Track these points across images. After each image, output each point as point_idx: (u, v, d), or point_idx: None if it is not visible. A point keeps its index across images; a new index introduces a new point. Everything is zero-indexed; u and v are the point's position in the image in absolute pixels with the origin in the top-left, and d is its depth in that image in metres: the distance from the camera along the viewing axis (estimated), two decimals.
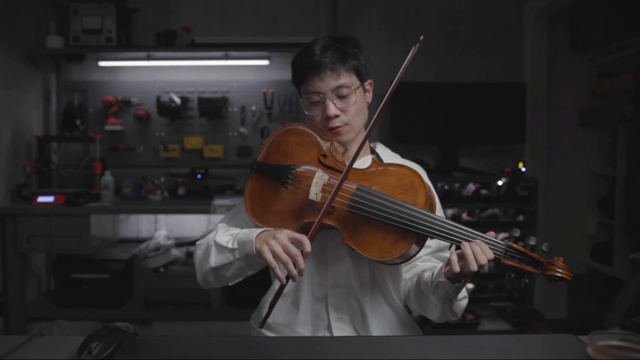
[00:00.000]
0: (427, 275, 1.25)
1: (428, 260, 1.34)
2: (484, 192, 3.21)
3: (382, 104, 1.15)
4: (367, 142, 1.37)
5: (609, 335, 0.82)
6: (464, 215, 3.21)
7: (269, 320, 1.32)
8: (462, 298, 1.24)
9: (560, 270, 1.05)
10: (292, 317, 1.31)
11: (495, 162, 3.53)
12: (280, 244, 1.08)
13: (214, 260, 1.22)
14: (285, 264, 1.07)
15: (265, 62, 3.36)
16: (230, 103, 3.42)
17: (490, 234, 1.10)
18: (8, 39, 2.96)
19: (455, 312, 1.23)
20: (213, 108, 3.33)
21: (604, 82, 3.40)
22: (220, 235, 1.25)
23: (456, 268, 1.08)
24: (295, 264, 1.06)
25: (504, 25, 3.54)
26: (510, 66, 3.53)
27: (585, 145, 3.55)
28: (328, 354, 0.98)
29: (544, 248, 1.07)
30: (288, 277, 1.08)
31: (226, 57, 3.27)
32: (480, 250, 1.06)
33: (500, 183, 3.24)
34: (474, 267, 1.06)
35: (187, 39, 3.26)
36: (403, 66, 1.15)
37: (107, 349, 0.93)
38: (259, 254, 1.11)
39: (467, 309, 3.14)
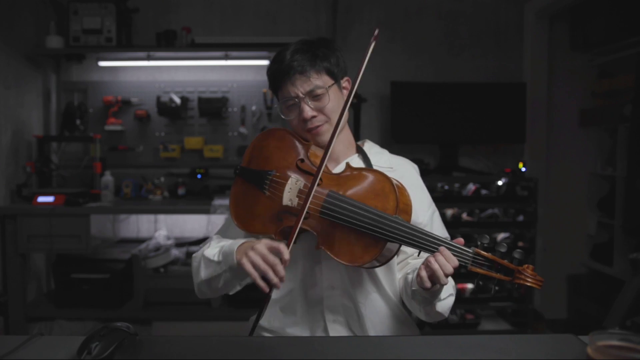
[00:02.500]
0: (410, 278, 1.25)
1: (421, 257, 1.32)
2: (484, 192, 3.21)
3: (346, 101, 1.21)
4: (353, 141, 1.37)
5: (609, 335, 0.82)
6: (464, 215, 3.20)
7: (266, 324, 1.33)
8: (447, 297, 1.22)
9: (529, 279, 1.04)
10: (288, 322, 1.31)
11: (495, 162, 3.53)
12: (258, 254, 1.10)
13: (204, 273, 1.25)
14: (264, 273, 1.08)
15: (265, 62, 3.36)
16: (230, 103, 3.42)
17: (459, 241, 1.09)
18: (8, 39, 2.95)
19: (440, 312, 1.22)
20: (213, 108, 3.33)
21: (604, 82, 3.40)
22: (209, 248, 1.27)
23: (427, 284, 1.08)
24: (275, 272, 1.08)
25: (504, 25, 3.53)
26: (510, 66, 3.53)
27: (585, 145, 3.55)
28: (327, 353, 0.98)
29: (516, 255, 1.06)
30: (271, 286, 1.09)
31: (226, 57, 3.26)
32: (444, 260, 1.06)
33: (500, 183, 3.24)
34: (444, 281, 1.06)
35: (187, 39, 3.26)
36: (365, 61, 1.18)
37: (107, 349, 0.93)
38: (240, 266, 1.13)
39: (467, 309, 3.18)
